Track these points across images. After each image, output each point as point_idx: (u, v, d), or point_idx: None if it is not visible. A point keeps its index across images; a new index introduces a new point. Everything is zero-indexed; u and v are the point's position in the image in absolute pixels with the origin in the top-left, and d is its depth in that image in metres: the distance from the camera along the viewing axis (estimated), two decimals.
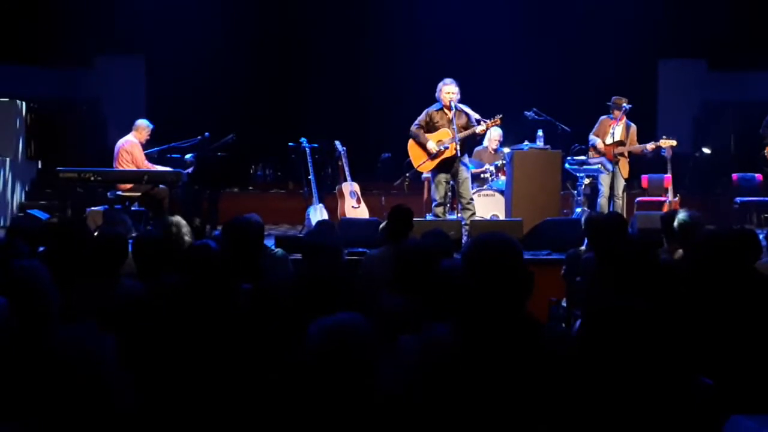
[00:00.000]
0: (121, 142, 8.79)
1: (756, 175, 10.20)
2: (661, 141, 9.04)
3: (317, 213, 9.14)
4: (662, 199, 9.38)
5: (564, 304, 5.34)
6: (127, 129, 8.95)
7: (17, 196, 10.97)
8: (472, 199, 8.20)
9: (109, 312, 3.05)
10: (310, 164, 9.47)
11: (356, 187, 9.40)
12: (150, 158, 8.89)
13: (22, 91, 11.72)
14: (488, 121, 8.14)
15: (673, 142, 9.02)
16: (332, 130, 10.14)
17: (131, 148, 8.66)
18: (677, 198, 9.23)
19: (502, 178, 9.21)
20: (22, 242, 3.97)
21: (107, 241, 3.85)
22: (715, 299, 3.32)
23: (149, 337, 2.92)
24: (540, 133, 9.14)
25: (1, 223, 10.11)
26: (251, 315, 3.22)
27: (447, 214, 8.30)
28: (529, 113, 9.47)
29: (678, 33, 12.57)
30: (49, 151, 11.80)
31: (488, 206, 9.01)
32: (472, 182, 8.67)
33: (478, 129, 8.14)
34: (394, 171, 9.93)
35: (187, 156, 8.97)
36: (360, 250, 6.55)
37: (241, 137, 9.44)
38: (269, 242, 6.14)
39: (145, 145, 8.88)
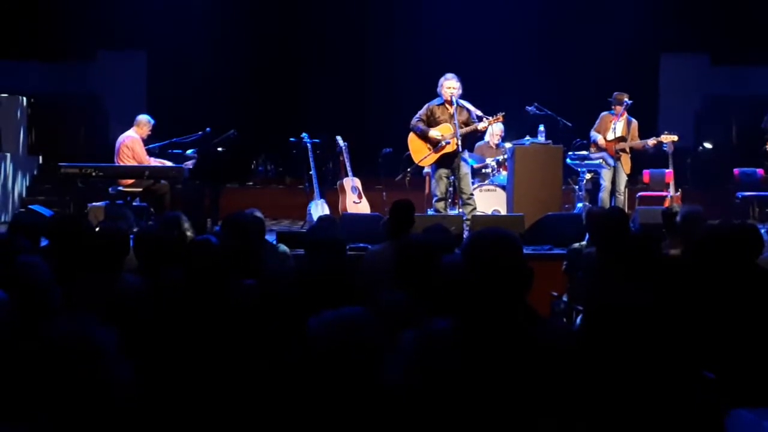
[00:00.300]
0: (122, 137, 8.79)
1: (757, 169, 10.20)
2: (662, 136, 9.03)
3: (318, 208, 9.14)
4: (664, 194, 9.37)
5: (565, 299, 5.34)
6: (129, 124, 8.94)
7: (19, 191, 10.97)
8: (472, 194, 8.20)
9: (111, 306, 3.06)
10: (311, 159, 9.47)
11: (357, 182, 9.39)
12: (151, 154, 8.89)
13: (24, 86, 11.73)
14: (490, 117, 8.13)
15: (675, 137, 9.01)
16: (333, 126, 10.14)
17: (132, 144, 8.65)
18: (679, 193, 9.23)
19: (504, 173, 9.21)
20: (24, 238, 3.98)
21: (109, 237, 3.85)
22: (717, 294, 3.32)
23: (151, 332, 2.92)
24: (541, 128, 9.13)
25: (3, 219, 10.12)
26: (253, 310, 3.23)
27: (448, 210, 8.30)
28: (530, 108, 9.46)
29: (680, 27, 12.54)
30: (50, 146, 11.81)
31: (490, 201, 9.00)
32: (474, 177, 8.66)
33: (480, 126, 8.14)
34: (395, 166, 9.93)
35: (189, 151, 8.97)
36: (361, 245, 6.55)
37: (242, 132, 9.43)
38: (270, 238, 6.14)
39: (147, 141, 8.88)
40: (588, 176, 9.24)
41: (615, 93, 9.07)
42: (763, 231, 4.35)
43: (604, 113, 9.11)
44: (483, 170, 9.34)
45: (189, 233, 4.50)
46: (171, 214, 4.89)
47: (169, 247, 4.04)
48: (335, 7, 12.99)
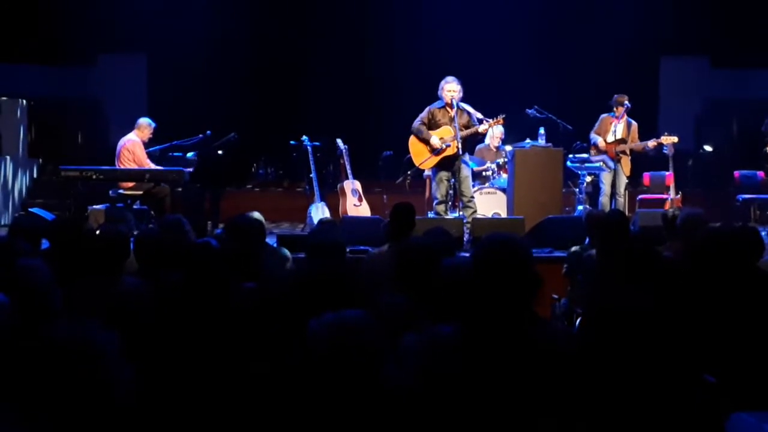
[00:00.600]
0: (123, 140, 8.79)
1: (758, 172, 10.19)
2: (662, 138, 9.03)
3: (319, 211, 9.14)
4: (664, 196, 9.37)
5: (566, 301, 5.34)
6: (129, 128, 8.95)
7: (19, 194, 10.98)
8: (473, 197, 8.20)
9: (112, 309, 3.06)
10: (311, 162, 9.47)
11: (358, 185, 9.40)
12: (152, 157, 8.89)
13: (25, 90, 11.73)
14: (491, 120, 8.13)
15: (675, 139, 9.01)
16: (334, 128, 10.14)
17: (133, 147, 8.66)
18: (679, 195, 9.22)
19: (504, 176, 9.21)
20: (24, 241, 3.98)
21: (109, 239, 3.85)
22: (718, 297, 3.32)
23: (151, 335, 2.92)
24: (542, 130, 9.13)
25: (4, 222, 10.12)
26: (253, 313, 3.22)
27: (448, 212, 8.30)
28: (530, 111, 9.46)
29: (680, 30, 12.55)
30: (51, 149, 11.81)
31: (490, 204, 9.00)
32: (474, 180, 8.66)
33: (481, 128, 8.14)
34: (395, 169, 9.93)
35: (189, 154, 8.97)
36: (362, 248, 6.55)
37: (242, 135, 9.43)
38: (271, 241, 6.15)
39: (147, 144, 8.89)
40: (588, 179, 9.24)
41: (615, 95, 9.07)
42: (763, 234, 4.35)
43: (604, 115, 9.10)
44: (483, 173, 9.34)
45: (189, 236, 4.50)
46: (171, 217, 4.89)
47: (169, 250, 4.04)
48: (335, 9, 13.00)
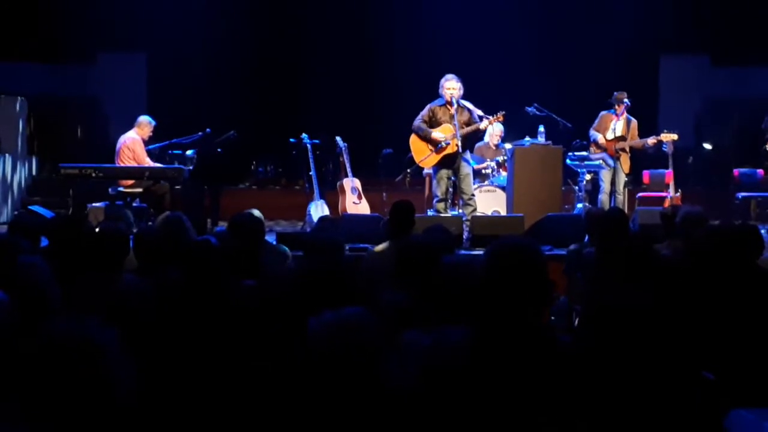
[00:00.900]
0: (123, 138, 8.79)
1: (758, 170, 10.19)
2: (662, 135, 9.02)
3: (318, 209, 9.14)
4: (663, 194, 9.37)
5: (565, 299, 5.34)
6: (129, 125, 8.95)
7: (19, 192, 10.97)
8: (473, 195, 8.20)
9: (111, 307, 3.06)
10: (311, 160, 9.47)
11: (357, 182, 9.40)
12: (151, 155, 8.89)
13: (24, 88, 11.72)
14: (490, 117, 8.13)
15: (674, 136, 9.01)
16: (333, 126, 10.14)
17: (133, 145, 8.66)
18: (678, 193, 9.22)
19: (504, 173, 9.21)
20: (24, 238, 3.98)
21: (109, 237, 3.86)
22: (717, 295, 3.32)
23: (151, 332, 2.92)
24: (541, 128, 9.13)
25: (3, 219, 10.11)
26: (253, 310, 3.23)
27: (448, 210, 8.30)
28: (530, 109, 9.46)
29: (680, 28, 12.55)
30: (50, 147, 11.80)
31: (489, 202, 9.00)
32: (474, 178, 8.66)
33: (481, 125, 8.14)
34: (395, 167, 9.93)
35: (189, 152, 8.97)
36: (361, 246, 6.55)
37: (242, 133, 9.44)
38: (270, 238, 6.15)
39: (147, 142, 8.89)
40: (588, 177, 9.24)
41: (615, 93, 9.06)
42: (763, 232, 4.35)
43: (604, 112, 9.09)
44: (483, 171, 9.34)
45: (188, 234, 4.50)
46: (171, 215, 4.89)
47: (168, 247, 4.04)
48: (335, 7, 12.99)
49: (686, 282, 3.48)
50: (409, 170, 9.42)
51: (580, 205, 9.12)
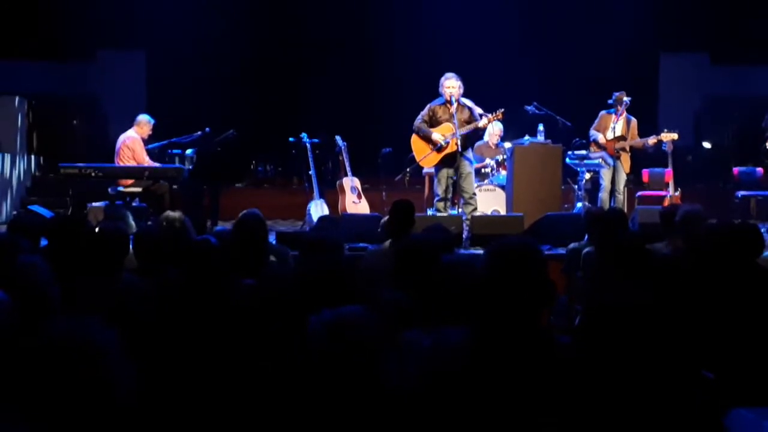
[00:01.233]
0: (122, 137, 8.78)
1: (757, 168, 10.19)
2: (662, 134, 9.02)
3: (318, 208, 9.13)
4: (663, 193, 9.37)
5: (565, 299, 5.34)
6: (128, 124, 8.94)
7: (18, 192, 10.97)
8: (474, 194, 8.19)
9: (111, 307, 3.06)
10: (310, 159, 9.47)
11: (357, 182, 9.39)
12: (151, 154, 8.88)
13: (23, 87, 11.73)
14: (490, 115, 8.13)
15: (675, 135, 9.01)
16: (333, 125, 10.14)
17: (132, 144, 8.65)
18: (678, 192, 9.22)
19: (503, 173, 9.21)
20: (24, 238, 3.97)
21: (108, 237, 3.85)
22: (717, 293, 3.32)
23: (151, 332, 2.92)
24: (541, 127, 9.13)
25: (3, 219, 10.11)
26: (253, 310, 3.23)
27: (449, 210, 8.30)
28: (529, 108, 9.46)
29: (680, 27, 12.55)
30: (50, 146, 11.80)
31: (489, 201, 9.00)
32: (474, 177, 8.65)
33: (480, 123, 8.13)
34: (394, 166, 9.93)
35: (188, 151, 8.97)
36: (361, 245, 6.55)
37: (241, 132, 9.43)
38: (270, 238, 6.15)
39: (147, 141, 8.88)
40: (587, 176, 9.24)
41: (615, 93, 9.05)
42: (763, 230, 4.35)
43: (603, 112, 9.09)
44: (482, 170, 9.34)
45: (188, 233, 4.50)
46: (170, 215, 4.88)
47: (168, 247, 4.04)
48: (334, 6, 12.99)
49: (686, 281, 3.48)
50: (408, 169, 9.42)
51: (579, 204, 9.12)
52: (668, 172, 9.33)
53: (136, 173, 8.50)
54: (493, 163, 9.38)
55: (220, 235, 4.36)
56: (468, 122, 8.07)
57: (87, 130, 12.66)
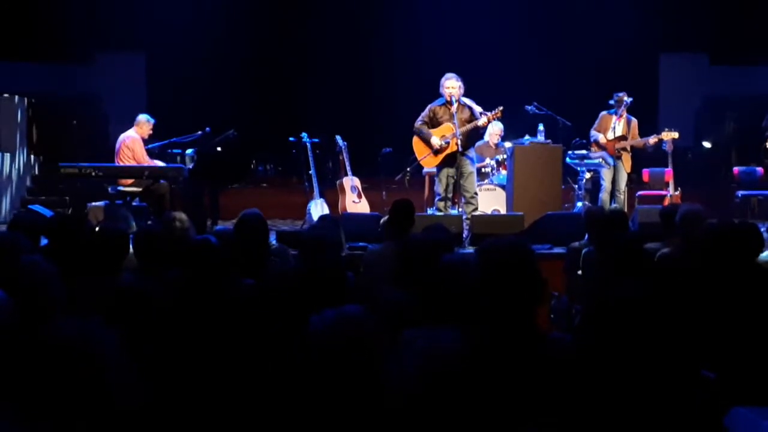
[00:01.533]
0: (122, 137, 8.78)
1: (757, 168, 10.20)
2: (663, 134, 9.03)
3: (318, 208, 9.14)
4: (663, 193, 9.37)
5: (565, 298, 5.34)
6: (128, 125, 8.94)
7: (18, 192, 10.97)
8: (476, 194, 8.19)
9: (112, 307, 3.06)
10: (310, 159, 9.47)
11: (357, 181, 9.39)
12: (151, 154, 8.89)
13: (24, 87, 11.72)
14: (489, 114, 8.13)
15: (675, 135, 9.02)
16: (333, 125, 10.14)
17: (132, 144, 8.65)
18: (678, 192, 9.22)
19: (503, 172, 9.21)
20: (24, 237, 3.97)
21: (108, 237, 3.85)
22: (717, 293, 3.32)
23: (151, 332, 2.92)
24: (541, 127, 9.13)
25: (3, 219, 10.11)
26: (253, 309, 3.23)
27: (449, 209, 8.30)
28: (529, 107, 9.46)
29: (679, 27, 12.55)
30: (50, 146, 11.80)
31: (489, 201, 9.01)
32: None
33: (480, 122, 8.14)
34: (395, 166, 9.93)
35: (188, 151, 8.97)
36: (361, 244, 6.55)
37: (241, 132, 9.43)
38: (270, 237, 6.15)
39: (147, 141, 8.88)
40: (588, 175, 9.24)
41: (616, 94, 9.05)
42: (763, 230, 4.35)
43: (604, 113, 9.10)
44: (483, 170, 9.34)
45: (188, 233, 4.50)
46: (170, 214, 4.89)
47: (168, 247, 4.04)
48: (334, 6, 12.99)
49: (686, 280, 3.48)
50: (408, 169, 9.42)
51: (579, 204, 9.12)
52: (668, 172, 9.34)
53: (136, 173, 8.50)
54: (493, 162, 9.38)
55: (220, 234, 4.36)
56: (469, 122, 8.07)
57: (87, 130, 12.65)
